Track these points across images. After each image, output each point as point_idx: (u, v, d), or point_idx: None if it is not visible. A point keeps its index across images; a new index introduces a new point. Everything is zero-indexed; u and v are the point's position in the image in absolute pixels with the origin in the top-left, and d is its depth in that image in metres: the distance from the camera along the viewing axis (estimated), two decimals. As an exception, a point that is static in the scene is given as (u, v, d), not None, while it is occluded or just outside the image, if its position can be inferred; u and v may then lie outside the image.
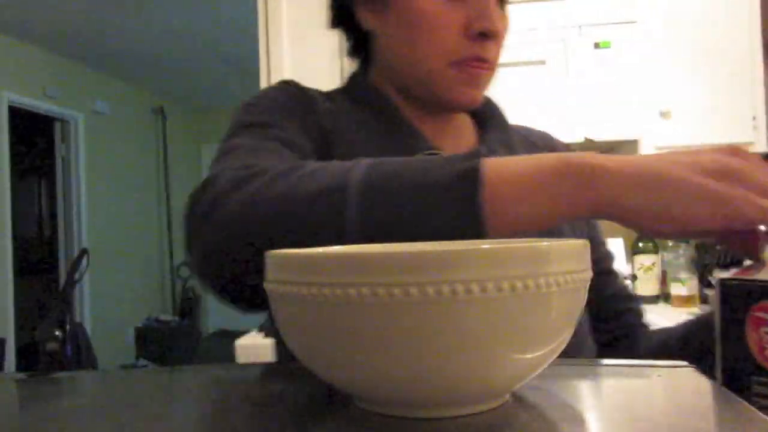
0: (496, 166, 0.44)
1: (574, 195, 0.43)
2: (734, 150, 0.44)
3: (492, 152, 0.69)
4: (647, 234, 0.44)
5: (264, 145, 0.59)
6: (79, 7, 3.70)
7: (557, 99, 2.10)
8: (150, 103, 5.84)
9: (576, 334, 0.66)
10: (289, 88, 0.71)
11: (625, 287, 0.81)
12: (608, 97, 2.06)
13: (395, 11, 0.68)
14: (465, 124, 0.77)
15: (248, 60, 4.73)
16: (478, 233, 0.43)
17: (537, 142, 0.79)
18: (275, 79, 2.19)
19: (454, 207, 0.43)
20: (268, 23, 2.20)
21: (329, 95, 0.75)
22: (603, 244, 0.80)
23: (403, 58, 0.69)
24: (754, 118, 2.09)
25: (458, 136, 0.75)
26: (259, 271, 0.37)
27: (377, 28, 0.71)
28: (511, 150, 0.73)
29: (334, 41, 2.19)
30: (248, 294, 0.50)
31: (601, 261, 0.77)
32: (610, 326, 0.77)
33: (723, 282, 0.40)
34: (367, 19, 0.72)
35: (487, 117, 0.77)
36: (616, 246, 2.07)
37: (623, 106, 2.05)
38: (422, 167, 0.45)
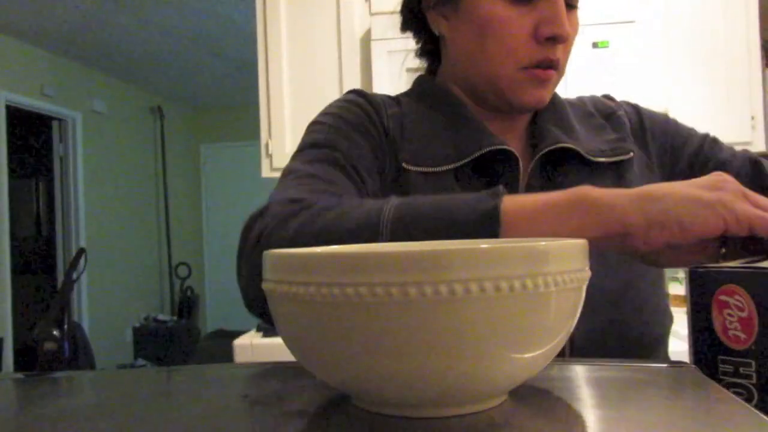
0: (513, 205, 0.50)
1: (583, 220, 0.48)
2: (720, 176, 0.50)
3: (544, 131, 0.72)
4: (657, 248, 0.49)
5: (322, 171, 0.65)
6: (77, 6, 3.69)
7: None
8: (148, 103, 5.83)
9: (648, 304, 0.67)
10: (357, 98, 0.75)
11: (736, 153, 0.77)
12: (606, 97, 2.06)
13: (465, 17, 0.69)
14: (524, 116, 0.77)
15: (247, 59, 4.73)
16: None
17: (591, 110, 0.79)
18: (274, 79, 2.19)
19: None
20: (266, 22, 2.19)
21: (396, 99, 0.78)
22: (691, 135, 0.78)
23: (473, 62, 0.71)
24: (752, 118, 2.09)
25: (515, 131, 0.76)
26: None
27: (447, 33, 0.73)
28: (565, 126, 0.74)
29: (333, 41, 2.19)
30: None
31: (700, 151, 0.76)
32: None
33: (692, 270, 0.44)
34: (438, 23, 0.74)
35: None
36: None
37: (621, 105, 2.04)
38: (448, 208, 0.50)
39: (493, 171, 0.70)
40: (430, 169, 0.69)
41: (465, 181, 0.69)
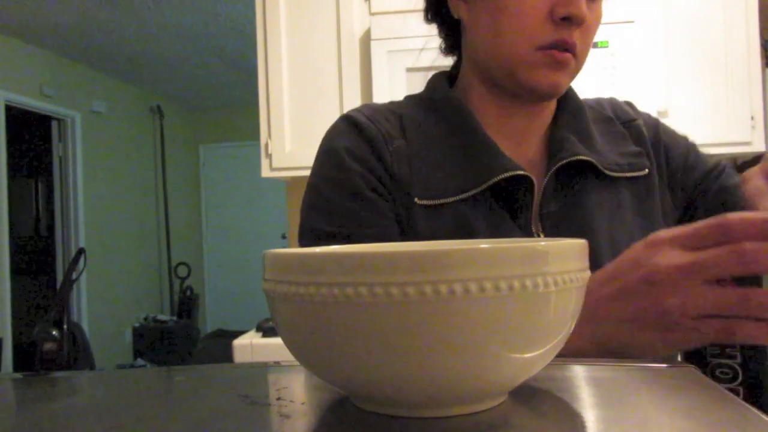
0: None
1: None
2: (653, 242, 0.46)
3: (562, 140, 0.71)
4: None
5: None
6: (76, 5, 3.69)
7: (555, 98, 2.09)
8: (147, 102, 5.83)
9: None
10: (352, 142, 0.71)
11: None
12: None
13: None
14: (545, 116, 0.76)
15: (247, 59, 4.73)
16: None
17: (610, 114, 0.79)
18: (274, 79, 2.19)
19: None
20: (266, 22, 2.19)
21: (399, 116, 0.75)
22: (707, 159, 0.77)
23: (488, 44, 0.70)
24: (752, 118, 2.09)
25: (534, 133, 0.76)
26: None
27: (466, 16, 0.73)
28: (583, 134, 0.73)
29: (332, 40, 2.19)
30: None
31: (708, 175, 0.75)
32: None
33: None
34: (457, 7, 0.74)
35: (561, 103, 0.77)
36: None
37: (621, 105, 2.04)
38: None
39: (507, 189, 0.69)
40: (443, 201, 0.68)
41: (480, 205, 0.68)
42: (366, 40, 2.14)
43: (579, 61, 0.69)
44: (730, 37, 2.12)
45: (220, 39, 4.41)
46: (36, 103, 4.36)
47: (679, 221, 0.76)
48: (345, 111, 0.78)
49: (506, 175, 0.67)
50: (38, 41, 4.30)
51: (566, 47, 0.66)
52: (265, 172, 2.20)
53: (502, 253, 0.29)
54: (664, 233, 0.46)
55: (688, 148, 0.78)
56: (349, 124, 0.74)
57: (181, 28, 4.17)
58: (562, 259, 0.31)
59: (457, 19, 0.75)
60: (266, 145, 2.18)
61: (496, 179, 0.67)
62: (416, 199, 0.69)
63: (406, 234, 0.69)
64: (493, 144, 0.70)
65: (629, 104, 0.82)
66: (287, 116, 2.18)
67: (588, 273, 0.34)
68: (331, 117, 0.79)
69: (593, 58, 2.06)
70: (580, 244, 0.34)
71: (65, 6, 3.69)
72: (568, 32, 0.65)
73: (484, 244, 0.38)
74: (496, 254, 0.29)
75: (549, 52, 0.66)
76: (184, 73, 5.28)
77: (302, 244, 0.71)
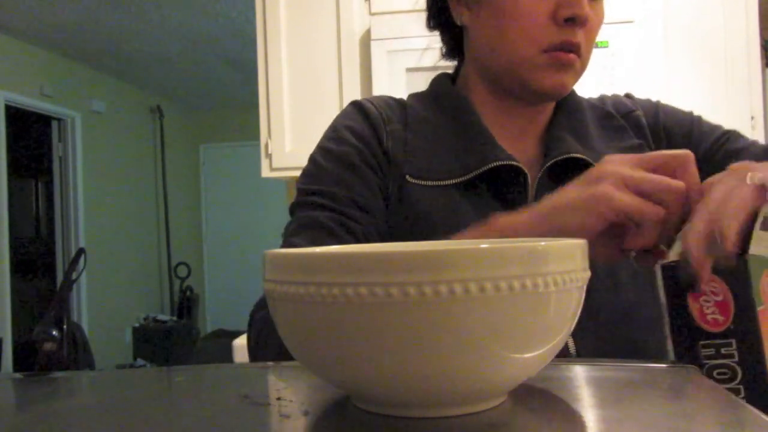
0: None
1: None
2: (601, 165, 0.51)
3: (557, 139, 0.72)
4: None
5: (320, 234, 0.67)
6: (76, 5, 3.69)
7: (555, 98, 2.09)
8: (147, 103, 5.83)
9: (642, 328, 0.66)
10: (354, 121, 0.75)
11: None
12: (606, 97, 2.06)
13: (486, 3, 0.70)
14: (543, 117, 0.77)
15: (247, 59, 4.73)
16: None
17: (611, 110, 0.79)
18: (274, 79, 2.19)
19: None
20: (266, 22, 2.19)
21: (402, 104, 0.78)
22: (712, 131, 0.78)
23: (493, 49, 0.71)
24: (752, 118, 2.09)
25: (532, 133, 0.76)
26: None
27: (469, 22, 0.74)
28: (580, 133, 0.73)
29: (332, 40, 2.18)
30: None
31: (715, 143, 0.76)
32: None
33: (663, 266, 0.46)
34: (460, 14, 0.74)
35: (558, 103, 0.77)
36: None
37: (621, 105, 2.04)
38: None
39: (501, 182, 0.69)
40: (435, 183, 0.69)
41: (472, 193, 0.69)
42: (366, 40, 2.14)
43: (584, 60, 0.70)
44: (730, 37, 2.11)
45: (220, 39, 4.41)
46: (36, 103, 4.36)
47: None
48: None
49: (498, 163, 0.68)
50: (38, 41, 4.30)
51: (571, 48, 0.67)
52: (265, 172, 2.20)
53: (502, 253, 0.29)
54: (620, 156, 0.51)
55: (692, 124, 0.78)
56: (355, 107, 0.77)
57: (181, 28, 4.17)
58: (562, 259, 0.31)
59: (460, 25, 0.75)
60: (266, 145, 2.18)
61: (487, 167, 0.68)
62: (408, 177, 0.70)
63: (394, 211, 0.70)
64: (489, 135, 0.71)
65: (628, 96, 0.83)
66: (287, 116, 2.18)
67: (588, 273, 0.34)
68: (331, 117, 0.80)
69: (593, 57, 2.07)
70: (580, 244, 0.34)
71: (65, 6, 3.69)
72: (572, 33, 0.66)
73: (484, 244, 0.38)
74: (496, 254, 0.29)
75: (554, 54, 0.67)
76: (184, 73, 5.28)
77: (291, 208, 0.74)
